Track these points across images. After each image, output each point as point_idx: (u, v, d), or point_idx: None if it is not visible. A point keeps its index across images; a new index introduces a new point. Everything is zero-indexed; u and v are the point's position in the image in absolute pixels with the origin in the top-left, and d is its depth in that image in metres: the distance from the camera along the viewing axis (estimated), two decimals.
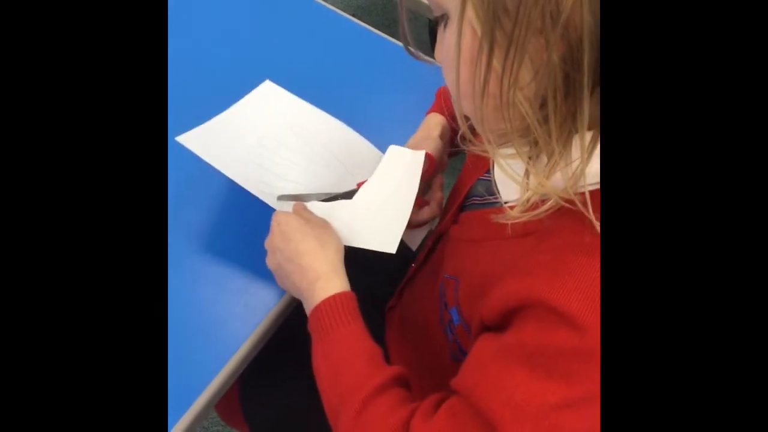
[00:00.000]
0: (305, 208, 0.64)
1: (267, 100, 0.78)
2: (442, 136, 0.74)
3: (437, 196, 0.71)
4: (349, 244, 0.62)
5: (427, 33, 1.61)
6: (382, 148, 0.74)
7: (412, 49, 0.49)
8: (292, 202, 0.66)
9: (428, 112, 0.78)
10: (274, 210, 0.64)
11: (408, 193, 0.65)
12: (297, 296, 0.60)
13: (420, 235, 0.72)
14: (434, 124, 0.75)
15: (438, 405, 0.45)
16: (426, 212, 0.70)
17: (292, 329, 0.69)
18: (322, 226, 0.61)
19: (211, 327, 0.65)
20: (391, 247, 0.61)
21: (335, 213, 0.65)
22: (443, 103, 0.77)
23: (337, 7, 1.00)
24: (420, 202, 0.70)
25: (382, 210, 0.65)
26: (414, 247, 0.71)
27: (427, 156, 0.69)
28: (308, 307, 0.57)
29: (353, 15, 0.99)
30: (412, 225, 0.69)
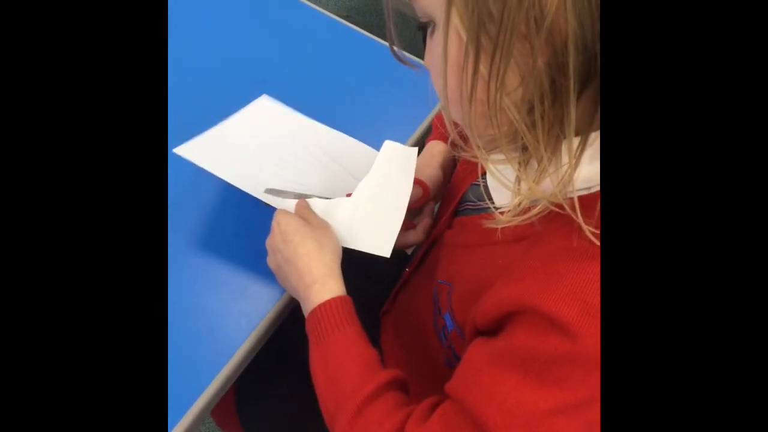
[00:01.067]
0: (307, 207, 0.64)
1: (264, 113, 0.78)
2: (442, 166, 0.73)
3: (425, 222, 0.69)
4: (345, 245, 0.62)
5: (420, 37, 1.61)
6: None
7: (396, 51, 0.49)
8: (292, 201, 0.66)
9: (428, 140, 0.77)
10: (270, 213, 0.64)
11: (403, 192, 0.65)
12: (296, 297, 0.60)
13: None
14: (437, 152, 0.74)
15: (432, 409, 0.45)
16: (411, 236, 0.69)
17: (288, 335, 0.69)
18: (322, 227, 0.61)
19: (207, 332, 0.64)
20: (385, 251, 0.61)
21: (333, 212, 0.64)
22: (442, 130, 0.76)
23: (331, 8, 0.99)
24: (407, 224, 0.70)
25: (378, 212, 0.65)
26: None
27: (422, 184, 0.69)
28: (305, 310, 0.57)
29: (347, 15, 0.99)
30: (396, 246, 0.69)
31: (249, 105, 0.77)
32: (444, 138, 0.75)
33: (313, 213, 0.63)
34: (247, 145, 0.73)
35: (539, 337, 0.38)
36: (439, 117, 0.79)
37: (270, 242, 0.62)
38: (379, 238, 0.63)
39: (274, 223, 0.61)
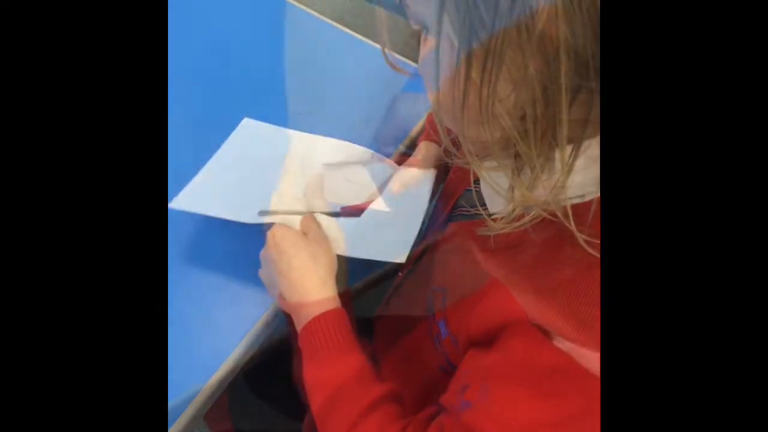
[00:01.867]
0: (312, 220, 0.62)
1: (249, 138, 0.76)
2: (434, 167, 0.72)
3: None
4: (357, 256, 0.61)
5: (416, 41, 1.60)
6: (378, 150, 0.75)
7: (389, 57, 0.48)
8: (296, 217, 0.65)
9: (420, 140, 0.77)
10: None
11: (419, 207, 0.65)
12: (287, 311, 0.59)
13: None
14: (428, 153, 0.73)
15: (428, 421, 0.45)
16: None
17: (282, 340, 0.68)
18: (318, 240, 0.60)
19: (200, 336, 0.64)
20: (401, 257, 0.60)
21: (342, 224, 0.63)
22: (433, 134, 0.75)
23: (325, 11, 0.99)
24: None
25: (391, 222, 0.64)
26: None
27: None
28: (298, 324, 0.56)
29: (341, 19, 0.98)
30: None
31: (232, 134, 0.76)
32: (434, 140, 0.75)
33: (315, 225, 0.62)
34: (241, 176, 0.71)
35: (534, 349, 0.38)
36: (430, 119, 0.79)
37: (264, 254, 0.61)
38: (394, 245, 0.62)
39: (269, 235, 0.60)
